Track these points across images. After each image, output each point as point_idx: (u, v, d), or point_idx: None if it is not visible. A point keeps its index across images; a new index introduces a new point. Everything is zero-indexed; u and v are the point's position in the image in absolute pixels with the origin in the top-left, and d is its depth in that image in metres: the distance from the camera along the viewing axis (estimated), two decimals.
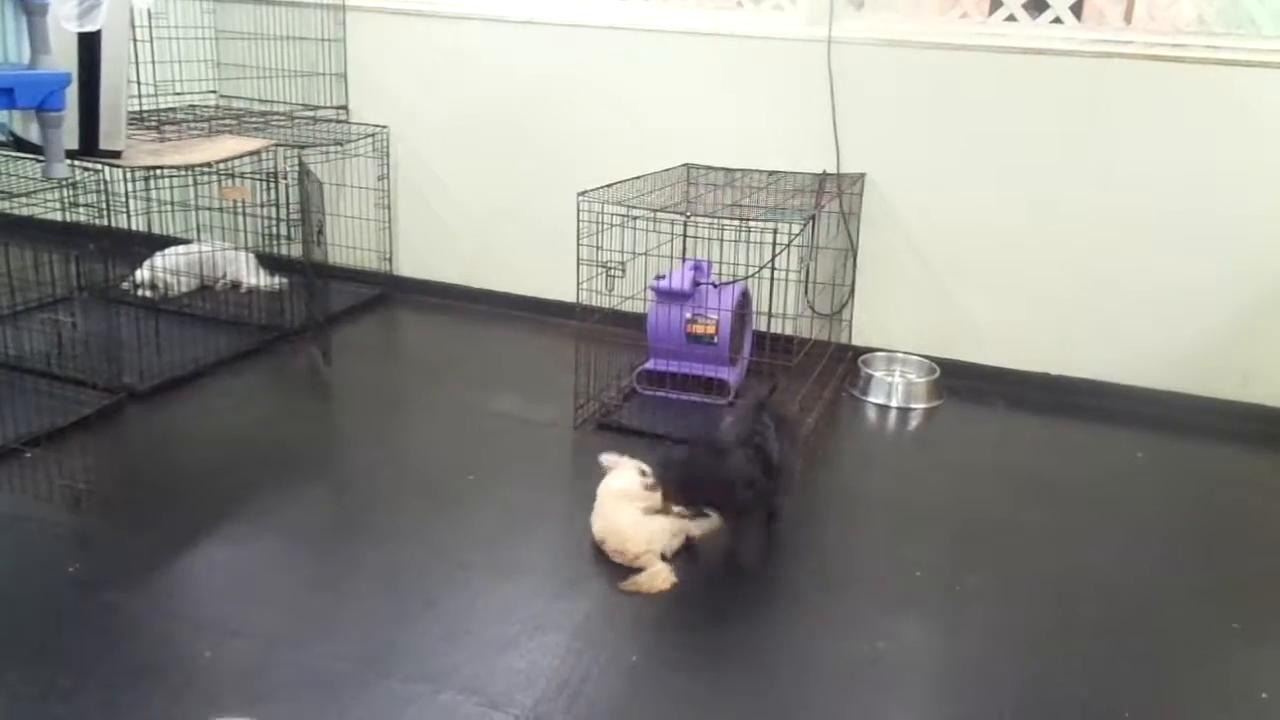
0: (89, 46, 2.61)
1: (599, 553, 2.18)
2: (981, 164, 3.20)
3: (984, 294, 3.31)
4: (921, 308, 3.39)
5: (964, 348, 3.36)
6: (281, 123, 3.68)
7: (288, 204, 3.36)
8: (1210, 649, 2.01)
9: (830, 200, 3.07)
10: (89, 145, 2.71)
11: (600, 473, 2.40)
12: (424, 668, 1.81)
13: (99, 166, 2.75)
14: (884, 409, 3.17)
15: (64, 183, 2.60)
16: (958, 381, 3.30)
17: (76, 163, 2.69)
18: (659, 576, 2.06)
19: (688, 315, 2.98)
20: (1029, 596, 2.16)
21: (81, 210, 2.64)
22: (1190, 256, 3.07)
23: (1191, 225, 3.05)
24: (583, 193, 2.72)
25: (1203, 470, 2.87)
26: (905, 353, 3.40)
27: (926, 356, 3.36)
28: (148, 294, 3.54)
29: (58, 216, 2.57)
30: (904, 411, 3.15)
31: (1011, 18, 3.10)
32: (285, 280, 3.65)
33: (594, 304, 2.83)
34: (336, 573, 2.12)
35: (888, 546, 2.34)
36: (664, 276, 3.00)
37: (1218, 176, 2.99)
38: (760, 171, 3.30)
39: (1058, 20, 3.07)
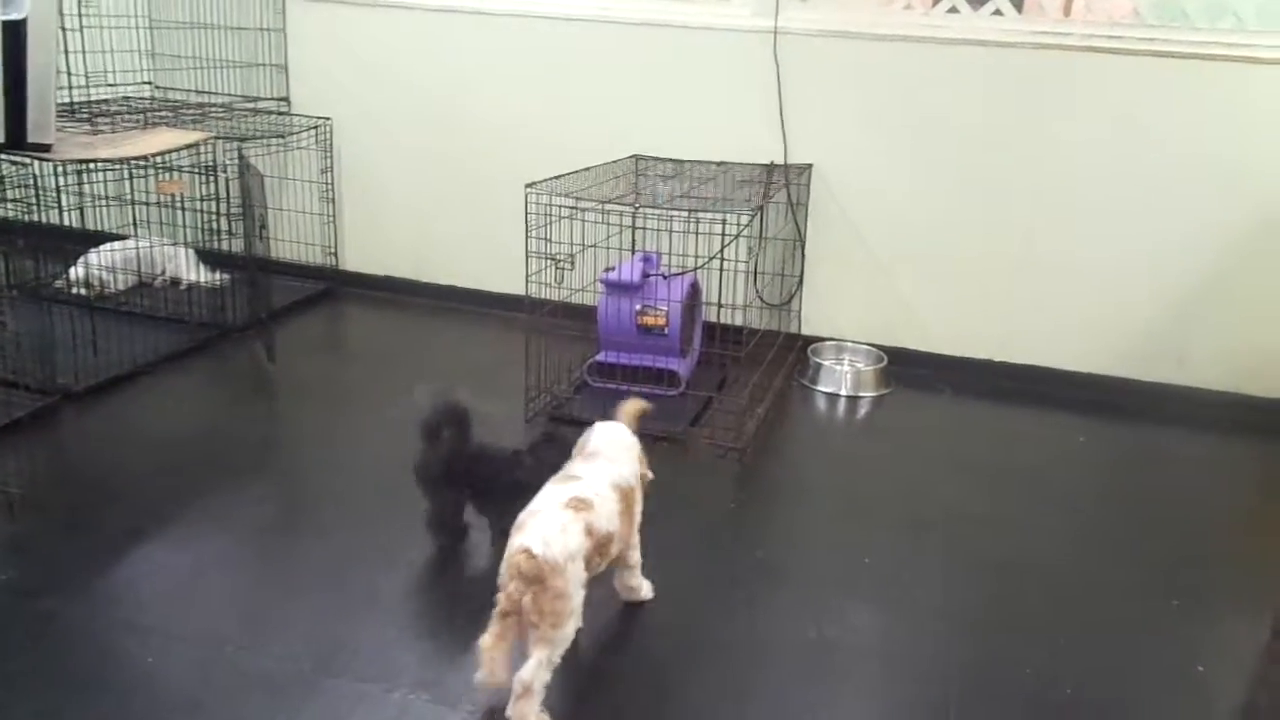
0: (13, 34, 2.52)
1: None
2: (925, 154, 3.24)
3: (929, 283, 3.36)
4: (869, 297, 3.42)
5: (911, 336, 3.41)
6: (220, 115, 3.60)
7: (228, 198, 3.28)
8: (1149, 626, 2.06)
9: (778, 191, 3.09)
10: (16, 138, 2.61)
11: None
12: (375, 667, 1.79)
13: (27, 160, 2.67)
14: (833, 397, 3.20)
15: None
16: (905, 369, 3.34)
17: (3, 156, 2.60)
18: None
19: (638, 307, 2.98)
20: (974, 579, 2.19)
21: (9, 205, 2.55)
22: (1126, 243, 3.15)
23: (1128, 212, 3.12)
24: (530, 184, 2.70)
25: (1142, 452, 2.94)
26: (854, 342, 3.43)
27: (875, 345, 3.40)
28: (83, 292, 3.44)
29: None
30: (853, 400, 3.18)
31: (954, 9, 3.14)
32: (227, 276, 3.58)
33: (543, 297, 2.82)
34: (282, 572, 2.09)
35: (836, 533, 2.37)
36: (613, 268, 2.99)
37: (1153, 165, 3.06)
38: (709, 162, 3.30)
39: (998, 13, 3.11)
